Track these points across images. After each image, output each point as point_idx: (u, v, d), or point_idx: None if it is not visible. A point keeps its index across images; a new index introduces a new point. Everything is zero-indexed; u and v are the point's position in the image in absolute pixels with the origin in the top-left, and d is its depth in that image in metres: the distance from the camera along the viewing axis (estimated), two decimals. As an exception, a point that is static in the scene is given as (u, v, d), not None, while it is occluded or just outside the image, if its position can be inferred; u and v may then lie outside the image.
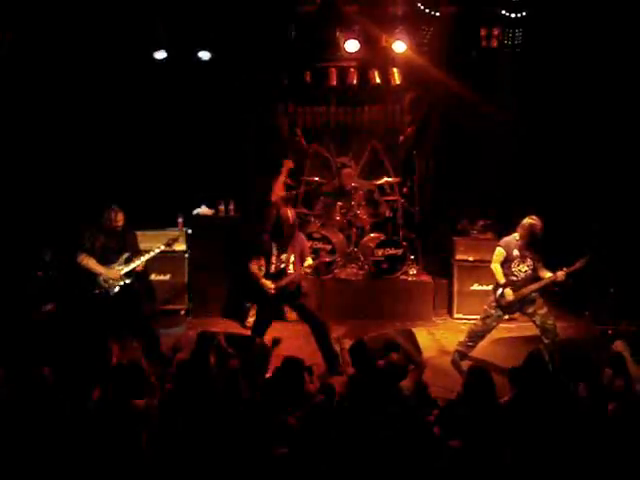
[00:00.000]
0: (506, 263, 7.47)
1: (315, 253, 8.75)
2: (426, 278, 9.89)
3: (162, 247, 7.93)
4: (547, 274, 7.38)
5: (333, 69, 10.54)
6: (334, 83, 10.57)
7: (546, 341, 7.32)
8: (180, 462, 5.11)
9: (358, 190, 10.17)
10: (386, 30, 9.75)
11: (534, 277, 7.41)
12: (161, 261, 8.85)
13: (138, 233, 8.01)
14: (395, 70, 10.38)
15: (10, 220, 9.52)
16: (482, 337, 7.64)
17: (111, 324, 7.64)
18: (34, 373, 5.53)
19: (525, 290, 7.39)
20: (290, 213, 7.69)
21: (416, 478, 5.12)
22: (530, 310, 7.49)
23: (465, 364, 7.33)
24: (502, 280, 7.42)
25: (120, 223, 7.57)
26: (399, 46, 9.69)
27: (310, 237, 9.42)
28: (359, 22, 9.74)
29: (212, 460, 4.79)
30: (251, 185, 10.41)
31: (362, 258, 9.92)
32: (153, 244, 7.99)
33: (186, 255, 9.71)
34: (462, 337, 7.73)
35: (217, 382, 6.08)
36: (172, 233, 8.96)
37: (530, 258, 7.42)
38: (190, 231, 9.72)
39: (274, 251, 7.63)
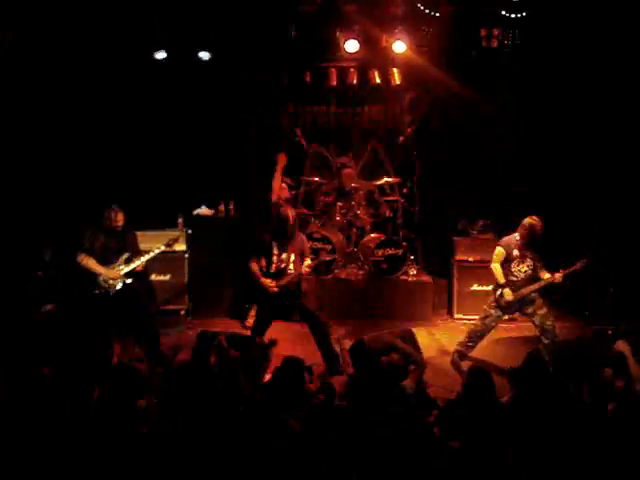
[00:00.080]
0: (506, 263, 7.47)
1: (315, 253, 8.76)
2: (426, 278, 9.89)
3: (162, 247, 7.93)
4: (546, 275, 7.39)
5: (333, 69, 10.54)
6: (334, 83, 10.57)
7: (545, 341, 7.32)
8: (180, 462, 5.12)
9: (358, 190, 10.17)
10: (386, 30, 9.75)
11: (534, 277, 7.41)
12: (161, 261, 8.85)
13: (138, 233, 8.01)
14: (395, 70, 10.39)
15: (10, 220, 9.52)
16: (482, 337, 7.64)
17: (111, 324, 7.65)
18: (34, 373, 5.54)
19: (524, 290, 7.39)
20: (290, 213, 7.69)
21: (416, 478, 5.13)
22: (529, 310, 7.49)
23: (465, 364, 7.34)
24: (502, 280, 7.42)
25: (120, 223, 7.58)
26: (399, 46, 9.69)
27: (310, 237, 9.43)
28: (359, 22, 9.73)
29: (212, 459, 4.79)
30: (251, 185, 10.41)
31: (362, 258, 9.92)
32: (153, 244, 7.99)
33: (186, 255, 9.70)
34: (462, 337, 7.73)
35: (218, 381, 6.10)
36: (172, 233, 8.96)
37: (530, 258, 7.42)
38: (190, 231, 9.71)
39: (274, 251, 7.63)
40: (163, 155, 10.35)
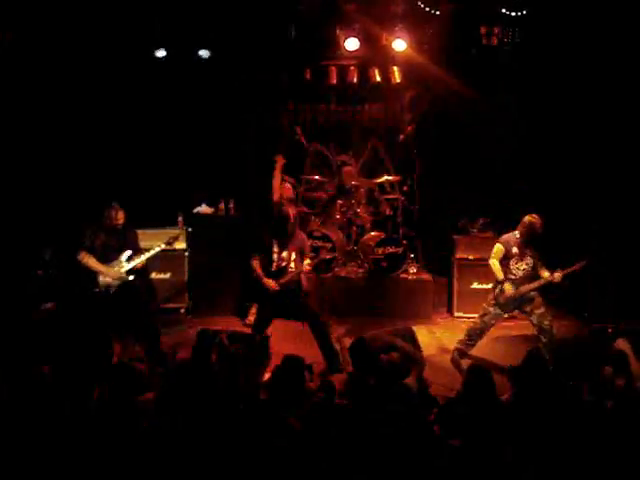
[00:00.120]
0: (505, 260, 7.48)
1: (315, 251, 8.76)
2: (426, 276, 9.89)
3: (163, 246, 7.93)
4: (545, 274, 7.39)
5: (333, 67, 10.53)
6: (334, 81, 10.57)
7: (544, 340, 7.32)
8: (180, 460, 5.12)
9: (358, 188, 10.18)
10: (386, 28, 9.74)
11: (533, 276, 7.41)
12: (161, 260, 8.85)
13: (138, 232, 8.01)
14: (395, 68, 10.38)
15: (10, 219, 9.52)
16: (481, 335, 7.64)
17: (111, 323, 7.65)
18: (34, 372, 5.54)
19: (523, 288, 7.39)
20: (291, 212, 7.71)
21: (416, 476, 5.13)
22: (527, 309, 7.49)
23: (465, 362, 7.34)
24: (501, 276, 7.43)
25: (121, 221, 7.57)
26: (399, 44, 9.69)
27: (310, 235, 9.43)
28: (359, 20, 9.73)
29: (212, 458, 4.80)
30: (251, 184, 10.42)
31: (362, 256, 9.92)
32: (153, 242, 7.99)
33: (186, 254, 9.71)
34: (462, 336, 7.73)
35: (219, 379, 6.10)
36: (172, 231, 8.97)
37: (530, 256, 7.42)
38: (190, 230, 9.72)
39: (275, 249, 7.64)
40: (163, 153, 10.34)
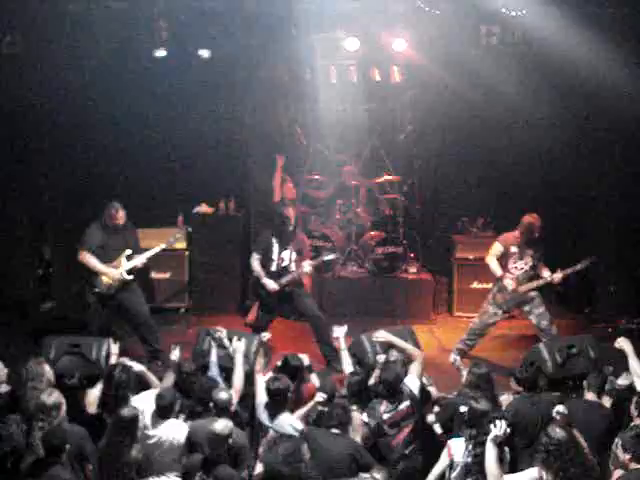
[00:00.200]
0: (504, 259, 7.49)
1: (316, 251, 8.76)
2: (426, 276, 9.89)
3: (163, 245, 7.93)
4: (546, 274, 7.38)
5: (333, 67, 10.52)
6: (334, 81, 10.56)
7: (544, 339, 7.32)
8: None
9: (358, 188, 10.17)
10: (386, 28, 9.73)
11: (533, 275, 7.40)
12: (161, 259, 8.85)
13: (138, 231, 8.01)
14: (395, 68, 10.36)
15: (10, 218, 9.52)
16: (481, 335, 7.64)
17: (112, 322, 7.65)
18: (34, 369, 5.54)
19: (522, 288, 7.39)
20: (291, 213, 7.73)
21: (411, 477, 5.14)
22: (527, 309, 7.49)
23: (465, 362, 7.33)
24: (499, 272, 7.44)
25: (121, 221, 7.56)
26: (399, 44, 9.67)
27: (310, 235, 9.43)
28: (359, 20, 9.71)
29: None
30: (251, 183, 10.41)
31: (362, 256, 9.92)
32: (153, 241, 7.99)
33: (186, 253, 9.71)
34: (462, 335, 7.73)
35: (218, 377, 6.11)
36: (172, 231, 8.99)
37: (530, 256, 7.42)
38: (190, 229, 9.71)
39: (275, 249, 7.65)
40: (163, 153, 10.33)
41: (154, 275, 9.49)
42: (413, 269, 9.83)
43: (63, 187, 9.82)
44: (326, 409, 5.27)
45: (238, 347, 5.96)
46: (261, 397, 5.62)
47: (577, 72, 9.01)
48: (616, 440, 4.48)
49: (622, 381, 5.57)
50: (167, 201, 10.06)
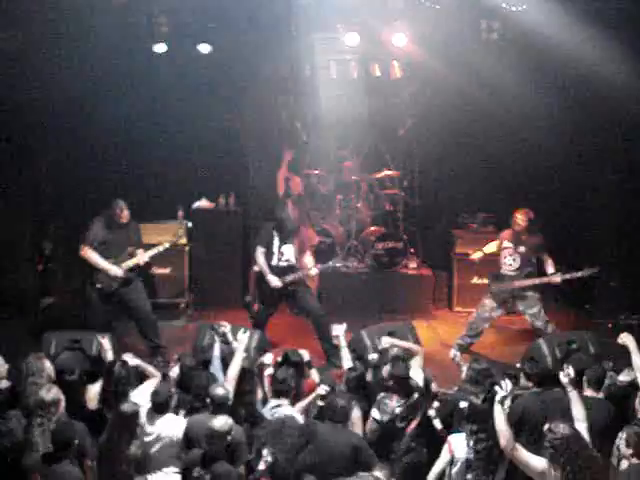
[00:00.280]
0: (500, 254, 7.54)
1: (318, 248, 8.77)
2: (426, 271, 9.89)
3: (167, 245, 7.93)
4: (550, 270, 7.38)
5: (333, 62, 10.51)
6: (334, 76, 10.55)
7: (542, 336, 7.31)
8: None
9: (358, 183, 10.17)
10: (386, 23, 9.71)
11: (529, 272, 7.39)
12: (162, 254, 8.82)
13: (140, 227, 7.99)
14: (395, 63, 10.35)
15: (10, 214, 9.51)
16: (480, 329, 7.64)
17: (112, 318, 7.65)
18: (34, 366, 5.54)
19: (517, 283, 7.38)
20: (291, 207, 7.75)
21: (417, 470, 5.15)
22: (521, 307, 7.49)
23: (465, 357, 7.34)
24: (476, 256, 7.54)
25: (125, 219, 7.54)
26: (399, 39, 9.66)
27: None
28: (359, 14, 9.69)
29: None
30: (251, 178, 10.41)
31: (362, 251, 9.92)
32: (153, 237, 7.99)
33: (186, 248, 9.71)
34: (462, 330, 7.74)
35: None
36: (173, 226, 9.00)
37: (522, 252, 7.41)
38: (190, 224, 9.71)
39: (275, 242, 7.64)
40: (163, 147, 10.32)
41: (154, 270, 9.48)
42: (413, 264, 9.84)
43: (63, 182, 9.81)
44: (328, 402, 5.27)
45: (242, 339, 5.96)
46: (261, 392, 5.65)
47: (578, 68, 9.00)
48: (620, 435, 4.49)
49: (624, 377, 5.57)
50: (167, 196, 10.06)
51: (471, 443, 4.71)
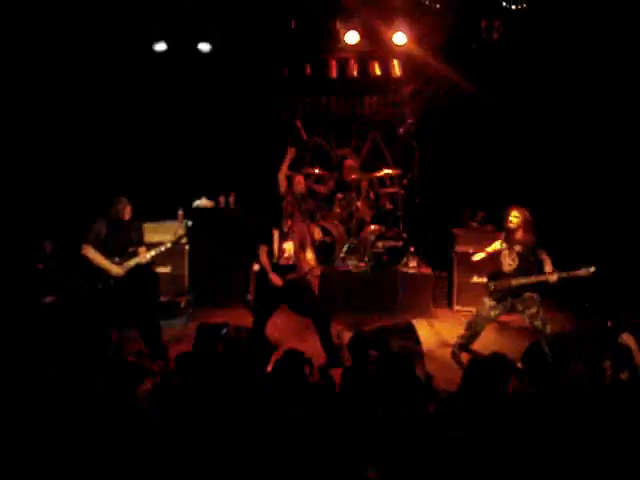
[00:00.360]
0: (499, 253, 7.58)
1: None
2: (426, 270, 9.89)
3: (169, 245, 7.92)
4: (548, 269, 7.38)
5: (333, 61, 10.53)
6: (334, 75, 10.56)
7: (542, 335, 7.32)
8: (181, 451, 5.14)
9: (359, 182, 10.18)
10: (387, 21, 9.73)
11: (526, 271, 7.39)
12: (162, 253, 8.85)
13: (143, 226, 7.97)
14: (395, 62, 10.37)
15: (11, 212, 9.52)
16: (480, 328, 7.63)
17: (113, 316, 7.64)
18: (36, 365, 5.55)
19: (514, 281, 7.38)
20: (290, 203, 7.73)
21: (417, 469, 5.15)
22: (520, 308, 7.49)
23: (465, 356, 7.35)
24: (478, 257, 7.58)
25: (127, 215, 7.51)
26: (400, 38, 9.67)
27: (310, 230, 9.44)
28: (359, 13, 9.71)
29: (213, 448, 4.81)
30: (252, 177, 10.42)
31: (362, 250, 9.92)
32: (153, 236, 7.98)
33: (187, 247, 9.72)
34: (462, 329, 7.74)
35: (223, 371, 6.11)
36: (172, 224, 8.99)
37: (522, 251, 7.41)
38: (190, 223, 9.72)
39: (276, 239, 7.64)
40: (163, 146, 10.34)
41: (155, 269, 9.49)
42: (413, 263, 9.83)
43: (63, 180, 9.82)
44: None
45: None
46: None
47: (579, 67, 9.02)
48: None
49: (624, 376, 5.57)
50: (167, 195, 10.06)
51: None
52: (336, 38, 10.00)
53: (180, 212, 9.76)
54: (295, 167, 10.35)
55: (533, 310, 7.43)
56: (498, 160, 10.21)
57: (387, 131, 10.87)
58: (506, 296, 7.50)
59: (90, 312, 7.57)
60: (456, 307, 9.67)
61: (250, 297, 9.25)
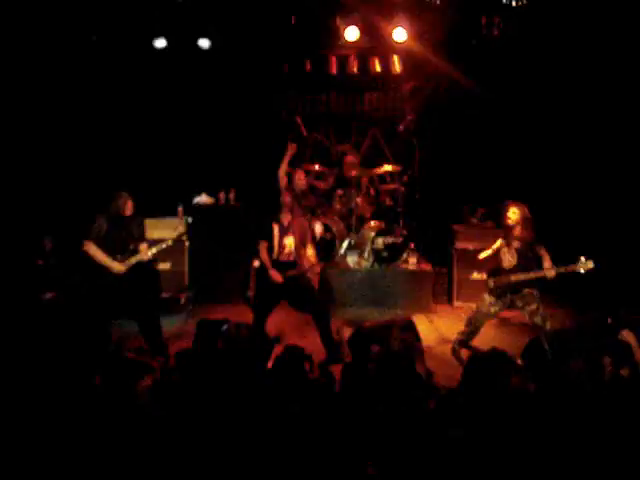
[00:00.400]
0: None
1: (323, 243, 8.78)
2: (426, 266, 9.90)
3: (170, 242, 7.92)
4: (546, 264, 7.39)
5: (333, 57, 10.52)
6: (334, 71, 10.56)
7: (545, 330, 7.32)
8: (181, 447, 5.14)
9: (359, 178, 10.18)
10: (386, 18, 9.72)
11: (525, 267, 7.39)
12: (162, 250, 8.86)
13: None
14: (395, 58, 10.37)
15: (10, 208, 9.52)
16: (479, 324, 7.64)
17: (113, 313, 7.64)
18: (36, 360, 5.56)
19: (513, 277, 7.38)
20: (289, 199, 7.72)
21: (417, 465, 5.16)
22: (520, 304, 7.49)
23: (465, 352, 7.35)
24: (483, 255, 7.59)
25: (130, 211, 7.47)
26: (400, 34, 9.66)
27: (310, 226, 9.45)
28: (359, 10, 9.70)
29: (214, 445, 4.82)
30: (252, 173, 10.42)
31: (362, 246, 9.93)
32: (153, 232, 7.98)
33: (186, 244, 9.72)
34: (462, 325, 7.75)
35: (224, 367, 6.12)
36: (172, 221, 8.99)
37: (521, 248, 7.41)
38: (190, 220, 9.71)
39: (276, 234, 7.64)
40: (163, 143, 10.34)
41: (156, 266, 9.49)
42: (413, 259, 9.84)
43: (63, 176, 9.82)
44: None
45: None
46: None
47: (578, 63, 9.02)
48: None
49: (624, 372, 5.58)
50: (166, 191, 10.06)
51: None
52: (336, 34, 9.99)
53: (180, 208, 9.76)
54: (295, 163, 10.38)
55: (533, 306, 7.43)
56: (498, 156, 10.21)
57: (387, 127, 10.88)
58: (505, 293, 7.50)
59: (90, 308, 7.57)
60: (456, 303, 9.68)
61: (250, 294, 9.26)
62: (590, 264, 7.20)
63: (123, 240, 7.43)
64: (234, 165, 10.44)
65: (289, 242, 7.63)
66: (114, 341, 6.53)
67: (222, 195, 10.08)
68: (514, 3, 9.08)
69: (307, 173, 10.37)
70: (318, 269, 7.84)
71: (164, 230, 9.03)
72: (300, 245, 7.65)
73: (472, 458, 4.71)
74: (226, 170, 10.38)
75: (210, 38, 9.85)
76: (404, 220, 10.12)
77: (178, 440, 4.92)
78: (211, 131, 10.53)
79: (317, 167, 10.43)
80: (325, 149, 10.79)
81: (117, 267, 7.34)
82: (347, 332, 6.69)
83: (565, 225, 9.55)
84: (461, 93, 10.08)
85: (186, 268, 9.77)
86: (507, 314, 8.70)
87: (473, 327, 7.61)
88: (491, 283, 7.50)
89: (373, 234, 9.69)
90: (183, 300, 9.74)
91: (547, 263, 7.35)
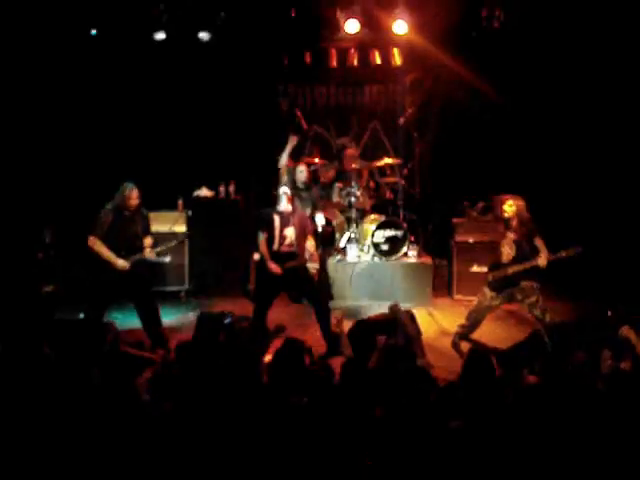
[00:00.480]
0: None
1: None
2: (426, 259, 9.89)
3: (174, 242, 7.92)
4: (542, 256, 7.39)
5: (333, 49, 10.50)
6: (334, 64, 10.54)
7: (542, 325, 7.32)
8: (181, 441, 5.15)
9: (359, 171, 10.17)
10: (387, 10, 9.69)
11: (522, 258, 7.39)
12: (161, 243, 8.84)
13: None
14: (396, 51, 10.35)
15: (11, 201, 9.51)
16: (480, 317, 7.64)
17: (113, 305, 7.64)
18: (35, 352, 5.56)
19: (509, 270, 7.38)
20: (288, 191, 7.71)
21: (417, 458, 5.16)
22: (519, 297, 7.49)
23: (465, 346, 7.36)
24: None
25: (136, 201, 7.37)
26: (400, 26, 9.64)
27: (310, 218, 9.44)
28: (359, 2, 9.67)
29: (214, 439, 4.82)
30: (252, 166, 10.41)
31: (362, 239, 9.93)
32: (152, 226, 7.95)
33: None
34: (462, 318, 7.75)
35: (226, 361, 6.12)
36: (172, 214, 8.98)
37: (518, 240, 7.41)
38: (190, 213, 9.72)
39: (276, 225, 7.63)
40: (163, 136, 10.33)
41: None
42: (413, 252, 9.83)
43: (63, 169, 9.82)
44: None
45: None
46: None
47: (579, 56, 9.00)
48: None
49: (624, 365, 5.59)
50: (167, 184, 10.05)
51: None
52: (336, 27, 9.95)
53: (180, 202, 9.76)
54: (295, 156, 10.37)
55: (532, 299, 7.43)
56: (498, 149, 10.20)
57: (387, 120, 10.87)
58: (504, 286, 7.51)
59: (90, 302, 7.57)
60: (456, 296, 9.68)
61: (251, 287, 9.26)
62: (578, 249, 7.20)
63: (127, 235, 7.37)
64: (234, 158, 10.43)
65: (290, 233, 7.62)
66: (111, 336, 6.49)
67: (222, 188, 10.07)
68: (515, -4, 9.07)
69: (309, 166, 10.39)
70: (317, 259, 7.81)
71: (164, 223, 9.04)
72: (301, 236, 7.64)
73: (472, 450, 4.72)
74: (226, 163, 10.37)
75: (210, 30, 9.82)
76: (404, 213, 10.11)
77: (178, 432, 4.93)
78: (211, 124, 10.51)
79: (317, 160, 10.41)
80: (325, 142, 10.78)
81: (121, 264, 7.27)
82: (347, 325, 6.68)
83: (566, 218, 9.55)
84: (462, 86, 10.06)
85: (186, 261, 9.75)
86: (507, 307, 8.70)
87: (474, 320, 7.61)
88: (490, 277, 7.51)
89: (373, 227, 9.69)
90: (183, 293, 9.74)
91: (543, 254, 7.35)
